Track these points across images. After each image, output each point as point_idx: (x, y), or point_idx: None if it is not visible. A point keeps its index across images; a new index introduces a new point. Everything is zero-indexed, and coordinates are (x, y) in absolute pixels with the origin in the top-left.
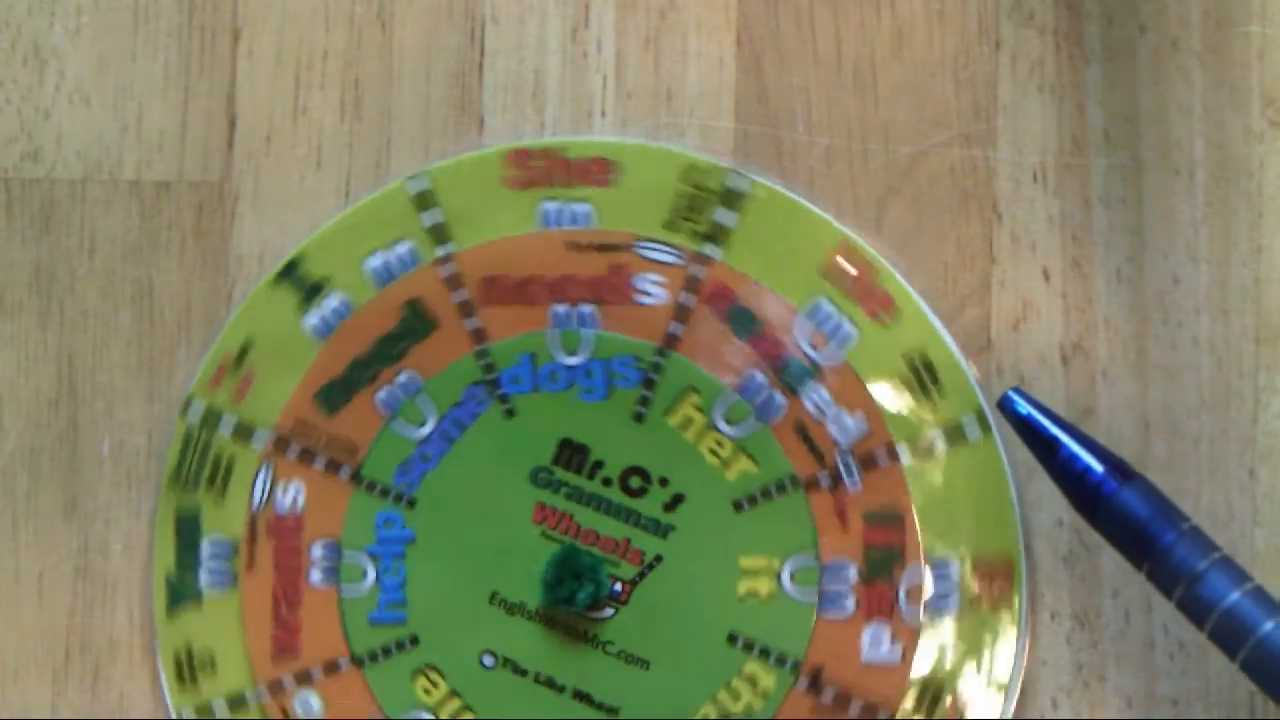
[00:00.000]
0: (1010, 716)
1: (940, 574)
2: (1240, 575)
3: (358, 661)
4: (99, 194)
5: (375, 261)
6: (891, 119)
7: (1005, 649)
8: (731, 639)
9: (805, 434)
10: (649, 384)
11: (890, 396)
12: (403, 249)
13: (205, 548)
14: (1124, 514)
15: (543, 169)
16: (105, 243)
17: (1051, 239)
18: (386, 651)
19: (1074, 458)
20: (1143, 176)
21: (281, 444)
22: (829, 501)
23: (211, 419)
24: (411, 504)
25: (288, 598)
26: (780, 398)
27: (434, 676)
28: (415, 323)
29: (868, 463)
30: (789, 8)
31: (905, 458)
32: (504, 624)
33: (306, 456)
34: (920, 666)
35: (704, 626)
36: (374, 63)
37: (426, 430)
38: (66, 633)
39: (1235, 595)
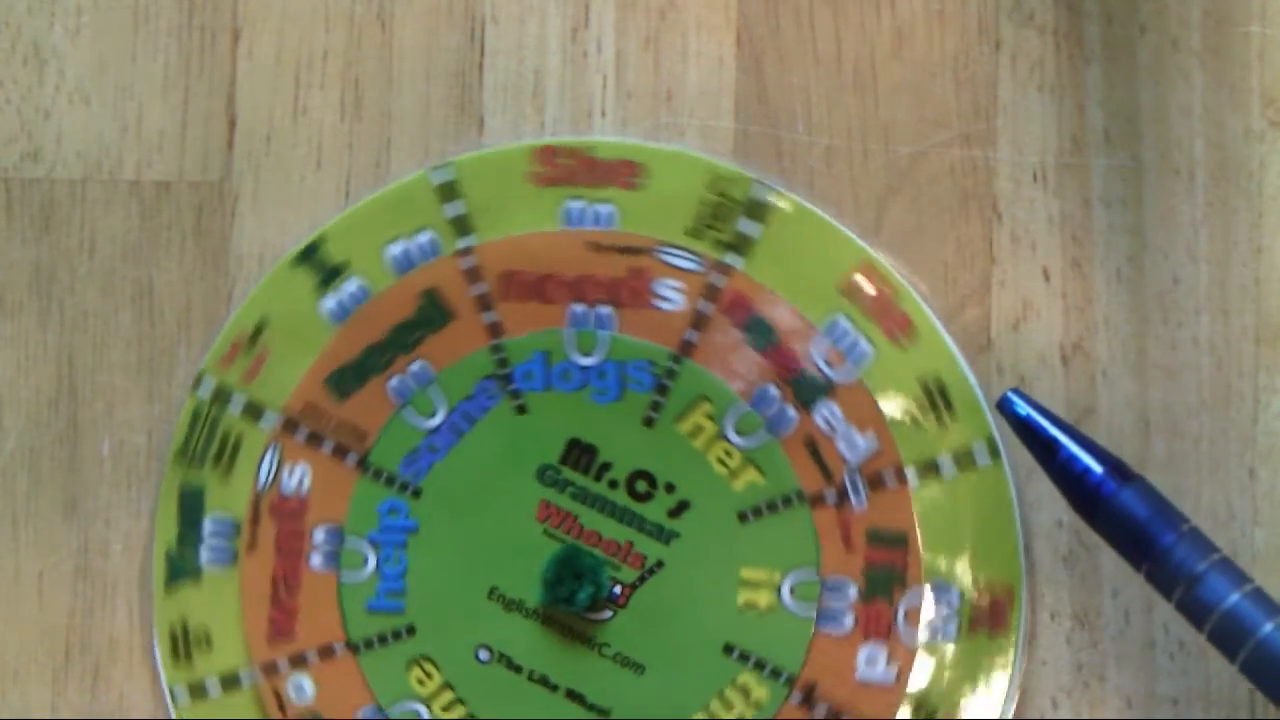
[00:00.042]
0: (1010, 717)
1: (940, 598)
2: (1240, 577)
3: (353, 648)
4: (99, 194)
5: (396, 249)
6: (891, 119)
7: (1000, 677)
8: (728, 649)
9: (815, 449)
10: (662, 389)
11: (902, 418)
12: (424, 238)
13: (208, 525)
14: (1123, 515)
15: (569, 168)
16: (105, 243)
17: (1051, 239)
18: (383, 640)
19: (1073, 458)
20: (1143, 176)
21: (290, 426)
22: (834, 518)
23: (222, 396)
24: (417, 494)
25: (287, 580)
26: (792, 411)
27: (428, 667)
28: (432, 313)
29: (875, 482)
30: (789, 8)
31: (913, 480)
32: (501, 619)
33: (314, 440)
34: (914, 689)
35: (701, 634)
36: (374, 63)
37: (436, 421)
38: (66, 633)
39: (1235, 597)
